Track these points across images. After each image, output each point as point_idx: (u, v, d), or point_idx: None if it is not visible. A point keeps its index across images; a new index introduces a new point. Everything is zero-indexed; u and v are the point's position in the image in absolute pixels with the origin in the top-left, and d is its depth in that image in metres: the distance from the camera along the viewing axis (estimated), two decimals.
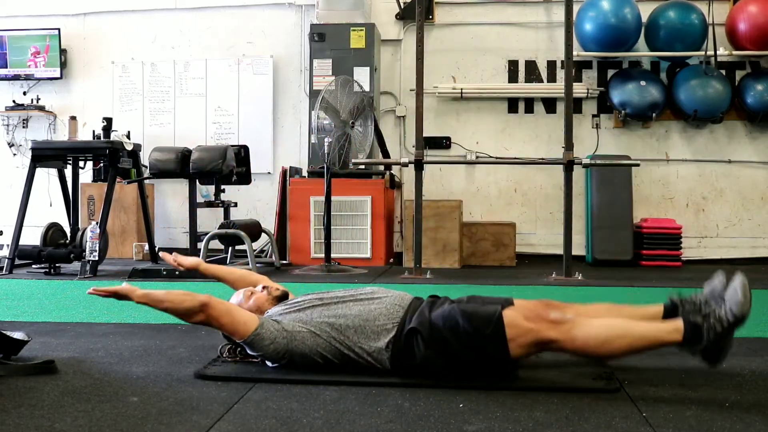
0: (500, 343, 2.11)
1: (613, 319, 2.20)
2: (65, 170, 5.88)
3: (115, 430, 1.73)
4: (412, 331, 2.18)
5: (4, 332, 2.41)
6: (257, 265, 5.47)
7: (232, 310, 2.23)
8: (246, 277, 2.66)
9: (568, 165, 5.23)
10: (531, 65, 6.81)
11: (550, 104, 6.77)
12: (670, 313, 2.24)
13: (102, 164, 6.58)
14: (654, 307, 2.30)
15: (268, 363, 2.27)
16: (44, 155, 5.65)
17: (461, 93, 6.76)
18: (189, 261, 2.68)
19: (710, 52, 6.34)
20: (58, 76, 7.17)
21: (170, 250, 7.01)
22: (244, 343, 2.24)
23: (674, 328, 2.08)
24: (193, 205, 5.52)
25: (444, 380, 2.14)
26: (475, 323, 2.14)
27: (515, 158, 6.66)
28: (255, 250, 5.92)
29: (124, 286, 2.24)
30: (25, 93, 7.29)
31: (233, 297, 2.47)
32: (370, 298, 2.29)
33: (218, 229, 5.47)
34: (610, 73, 6.70)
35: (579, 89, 6.52)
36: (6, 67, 7.23)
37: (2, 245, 5.86)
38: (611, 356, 2.17)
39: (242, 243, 5.41)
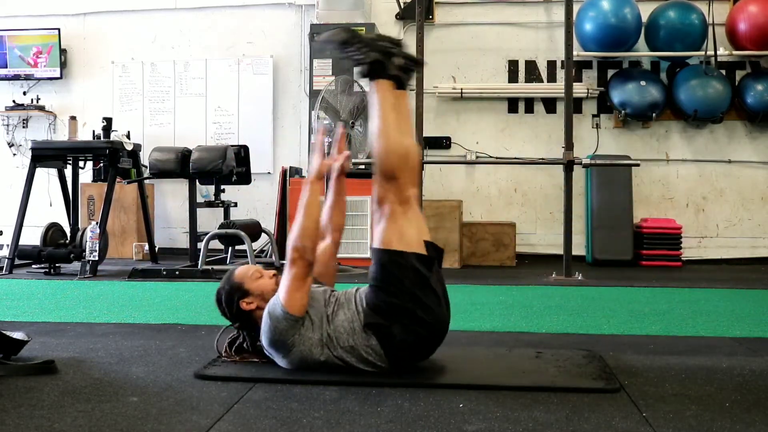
0: (400, 255, 2.16)
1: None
2: (65, 170, 5.89)
3: (115, 430, 1.73)
4: (368, 326, 2.18)
5: (4, 332, 2.41)
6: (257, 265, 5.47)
7: (306, 284, 2.18)
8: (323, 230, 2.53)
9: (568, 165, 5.24)
10: (531, 65, 6.81)
11: (550, 104, 6.77)
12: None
13: (102, 164, 6.58)
14: None
15: (264, 342, 2.24)
16: (44, 155, 5.65)
17: (461, 93, 6.76)
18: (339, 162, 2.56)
19: (710, 52, 6.34)
20: (58, 76, 7.17)
21: (170, 251, 7.02)
22: (269, 308, 2.19)
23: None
24: (193, 205, 5.52)
25: (443, 380, 2.14)
26: (386, 275, 2.17)
27: (515, 158, 6.66)
28: (255, 250, 5.92)
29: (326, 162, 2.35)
30: (25, 93, 7.29)
31: (244, 266, 2.40)
32: (341, 302, 2.27)
33: (218, 229, 5.47)
34: (610, 73, 6.70)
35: (579, 89, 6.52)
36: (6, 67, 7.23)
37: (2, 245, 5.86)
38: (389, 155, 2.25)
39: (242, 243, 5.41)
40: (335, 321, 2.21)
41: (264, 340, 2.24)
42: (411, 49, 6.23)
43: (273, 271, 2.41)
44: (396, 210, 2.22)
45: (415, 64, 2.36)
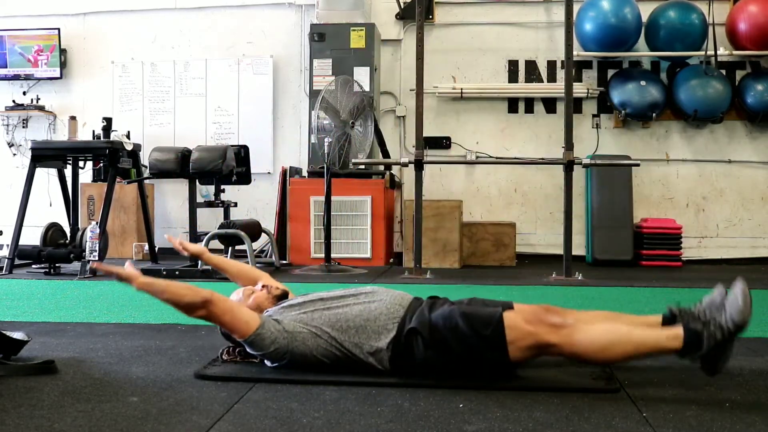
0: (499, 346, 2.11)
1: (613, 324, 2.20)
2: (65, 170, 5.88)
3: (115, 430, 1.73)
4: (412, 331, 2.18)
5: (4, 332, 2.41)
6: (257, 265, 5.47)
7: (234, 308, 2.21)
8: (247, 272, 2.66)
9: (568, 165, 5.23)
10: (531, 65, 6.81)
11: (550, 104, 6.77)
12: (669, 322, 2.24)
13: (102, 164, 6.58)
14: (653, 317, 2.30)
15: (268, 363, 2.27)
16: (44, 155, 5.65)
17: (461, 93, 6.76)
18: (194, 248, 2.66)
19: (710, 52, 6.34)
20: (58, 76, 7.17)
21: (170, 250, 7.04)
22: (244, 342, 2.23)
23: (674, 334, 2.08)
24: (193, 205, 5.52)
25: (444, 380, 2.14)
26: (475, 325, 2.13)
27: (515, 158, 6.66)
28: (255, 250, 5.92)
29: (127, 269, 2.18)
30: (24, 93, 7.29)
31: (233, 294, 2.46)
32: (370, 298, 2.28)
33: (218, 229, 5.47)
34: (610, 73, 6.70)
35: (579, 89, 6.52)
36: (6, 67, 7.23)
37: (2, 245, 5.86)
38: (610, 362, 2.17)
39: (242, 243, 5.41)
40: (338, 316, 2.23)
41: (270, 364, 2.27)
42: (410, 49, 6.27)
43: (262, 280, 2.51)
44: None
45: (710, 370, 2.09)
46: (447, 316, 2.18)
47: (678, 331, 2.08)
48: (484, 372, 2.15)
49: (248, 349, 2.26)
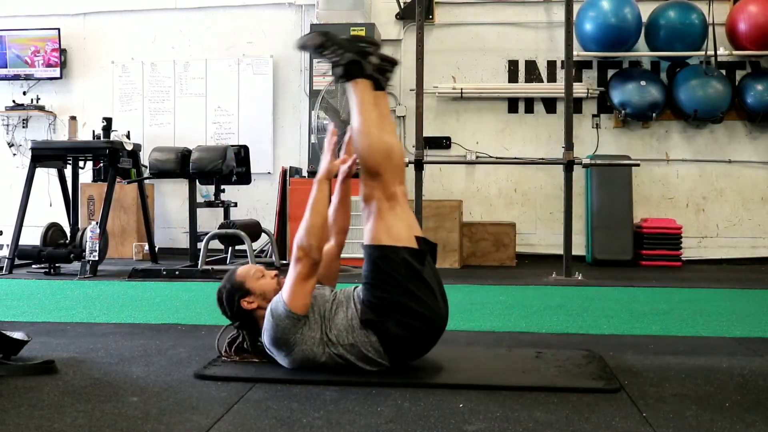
0: (389, 250, 2.17)
1: None
2: (65, 170, 5.88)
3: (115, 430, 1.73)
4: (364, 323, 2.19)
5: (4, 332, 2.41)
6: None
7: (310, 283, 2.18)
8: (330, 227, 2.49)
9: (568, 165, 5.24)
10: (531, 65, 6.81)
11: (550, 104, 6.77)
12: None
13: (102, 164, 6.58)
14: None
15: (265, 340, 2.24)
16: (44, 155, 5.65)
17: (461, 93, 6.76)
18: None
19: (710, 52, 6.34)
20: (58, 76, 7.17)
21: (170, 251, 7.03)
22: (272, 306, 2.19)
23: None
24: (193, 205, 5.52)
25: (443, 380, 2.14)
26: (370, 270, 2.19)
27: (515, 158, 6.66)
28: (255, 250, 5.92)
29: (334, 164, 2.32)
30: (25, 93, 7.29)
31: (245, 266, 2.40)
32: (341, 300, 2.27)
33: (218, 229, 5.47)
34: (610, 73, 6.69)
35: (579, 89, 6.52)
36: (6, 67, 7.23)
37: (2, 245, 5.86)
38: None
39: (242, 243, 5.41)
40: (335, 320, 2.21)
41: (266, 338, 2.24)
42: (410, 48, 6.27)
43: (275, 272, 2.41)
44: (383, 206, 2.24)
45: (392, 63, 2.37)
46: (362, 289, 2.22)
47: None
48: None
49: (267, 315, 2.21)
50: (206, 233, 5.43)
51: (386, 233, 2.21)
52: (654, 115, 6.40)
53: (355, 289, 2.29)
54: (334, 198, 2.48)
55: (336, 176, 2.44)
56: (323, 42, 2.34)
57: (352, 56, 2.31)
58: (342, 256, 2.55)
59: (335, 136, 2.37)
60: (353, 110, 2.32)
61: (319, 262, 2.20)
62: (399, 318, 2.16)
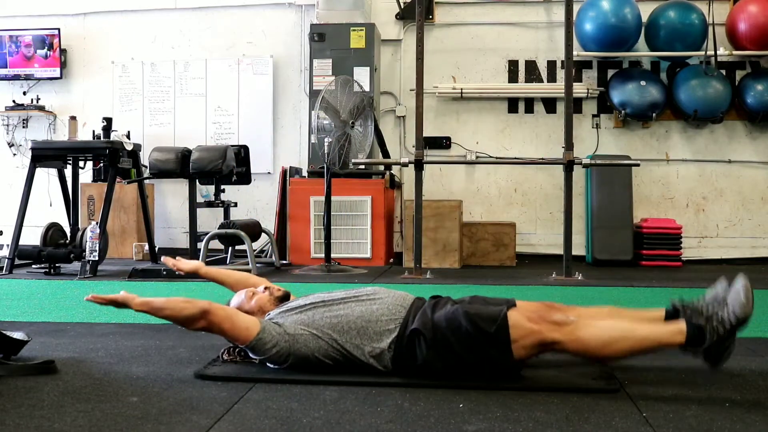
0: (503, 345, 2.11)
1: (616, 320, 2.20)
2: (65, 170, 5.88)
3: (115, 430, 1.73)
4: (415, 332, 2.18)
5: (4, 332, 2.41)
6: (257, 265, 5.48)
7: (233, 316, 2.21)
8: (245, 280, 2.66)
9: (568, 165, 5.23)
10: (531, 65, 6.81)
11: (550, 104, 6.77)
12: (671, 317, 2.23)
13: (102, 164, 6.58)
14: (656, 311, 2.30)
15: (270, 365, 2.27)
16: (44, 155, 5.65)
17: (461, 93, 6.76)
18: (189, 265, 2.69)
19: (710, 52, 6.34)
20: (58, 76, 7.17)
21: (170, 251, 7.03)
22: (246, 348, 2.24)
23: (677, 329, 2.08)
24: (193, 205, 5.52)
25: (444, 380, 2.14)
26: (479, 324, 2.13)
27: (515, 158, 6.66)
28: (255, 250, 5.92)
29: (122, 294, 2.21)
30: (25, 93, 7.29)
31: (235, 297, 2.46)
32: (371, 299, 2.28)
33: (218, 229, 5.47)
34: (610, 73, 6.70)
35: (579, 89, 6.52)
36: (6, 67, 7.23)
37: (2, 245, 5.86)
38: (613, 358, 2.17)
39: (242, 243, 5.41)
40: (341, 317, 2.23)
41: (269, 364, 2.27)
42: (410, 49, 6.27)
43: (263, 284, 2.50)
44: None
45: (713, 364, 2.12)
46: (450, 315, 2.17)
47: (681, 326, 2.08)
48: (486, 372, 2.15)
49: (251, 354, 2.27)
50: (206, 233, 5.43)
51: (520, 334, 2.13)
52: (654, 115, 6.40)
53: (418, 301, 2.30)
54: (223, 283, 2.70)
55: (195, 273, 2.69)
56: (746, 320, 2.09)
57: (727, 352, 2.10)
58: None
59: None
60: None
61: (208, 311, 2.17)
62: (441, 354, 2.16)
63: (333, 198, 5.62)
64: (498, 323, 2.11)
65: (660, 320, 2.25)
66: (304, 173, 6.52)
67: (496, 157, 6.70)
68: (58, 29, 7.11)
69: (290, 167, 6.50)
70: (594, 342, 2.10)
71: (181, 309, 2.17)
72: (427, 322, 2.18)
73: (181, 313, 2.17)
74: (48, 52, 7.13)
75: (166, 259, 2.70)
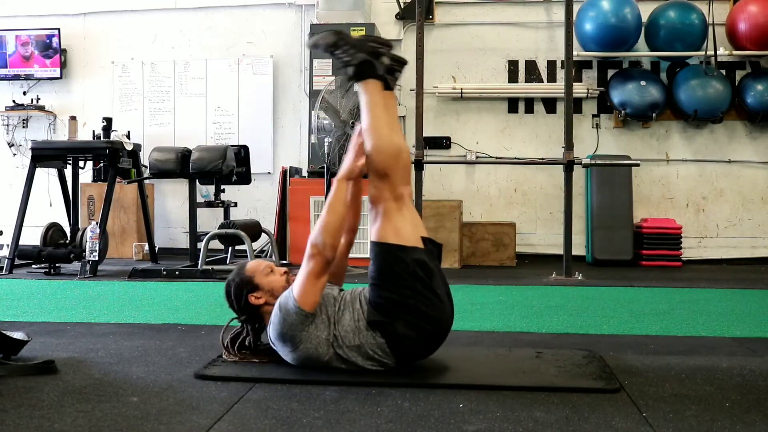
0: (397, 250, 2.18)
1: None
2: (65, 170, 5.89)
3: (115, 430, 1.73)
4: (371, 324, 2.19)
5: (4, 332, 2.41)
6: None
7: (324, 280, 2.19)
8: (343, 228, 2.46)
9: (568, 165, 5.24)
10: (531, 65, 6.81)
11: (550, 104, 6.77)
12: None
13: (102, 164, 6.58)
14: None
15: (271, 336, 2.24)
16: (44, 155, 5.65)
17: (461, 93, 6.76)
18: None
19: (710, 52, 6.34)
20: (58, 76, 7.17)
21: (170, 251, 7.03)
22: (281, 302, 2.20)
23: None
24: (193, 205, 5.52)
25: (444, 380, 2.14)
26: (377, 270, 2.20)
27: (515, 158, 6.66)
28: (255, 250, 5.92)
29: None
30: (25, 93, 7.29)
31: (255, 261, 2.40)
32: (344, 303, 2.27)
33: (218, 229, 5.47)
34: (610, 73, 6.70)
35: (579, 89, 6.52)
36: (6, 67, 7.23)
37: (2, 245, 5.86)
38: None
39: (242, 243, 5.41)
40: (342, 321, 2.21)
41: (272, 332, 2.24)
42: (410, 49, 6.28)
43: (284, 269, 2.41)
44: (390, 207, 2.24)
45: (401, 64, 2.37)
46: (369, 290, 2.22)
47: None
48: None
49: (276, 310, 2.22)
50: (206, 233, 5.43)
51: (394, 234, 2.21)
52: (654, 115, 6.40)
53: (362, 290, 2.29)
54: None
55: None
56: (336, 41, 2.34)
57: (364, 56, 2.31)
58: None
59: (361, 137, 2.35)
60: (363, 110, 2.32)
61: (331, 261, 2.20)
62: (407, 318, 2.16)
63: None
64: (380, 248, 2.21)
65: None
66: (304, 173, 6.52)
67: (496, 157, 6.71)
68: (58, 29, 7.11)
69: (290, 167, 6.50)
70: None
71: (327, 223, 2.21)
72: (369, 309, 2.19)
73: (321, 225, 2.21)
74: (48, 52, 7.13)
75: None
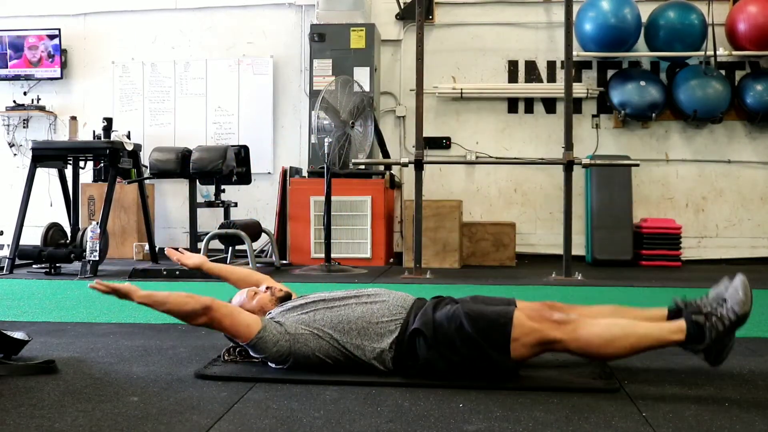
0: (503, 344, 2.11)
1: (617, 319, 2.20)
2: (65, 170, 5.89)
3: (115, 430, 1.73)
4: (416, 331, 2.18)
5: (5, 332, 2.41)
6: (257, 265, 5.48)
7: (235, 313, 2.22)
8: (249, 277, 2.66)
9: (568, 165, 5.24)
10: (531, 65, 6.81)
11: (550, 104, 6.77)
12: (674, 315, 2.24)
13: (102, 164, 6.58)
14: (658, 310, 2.30)
15: (271, 365, 2.27)
16: (45, 155, 5.65)
17: (461, 93, 6.77)
18: (193, 260, 2.68)
19: (710, 52, 6.35)
20: (59, 76, 7.17)
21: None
22: (247, 346, 2.24)
23: (677, 327, 2.09)
24: (193, 205, 5.53)
25: (445, 380, 2.14)
26: (480, 324, 2.13)
27: (515, 158, 6.66)
28: (255, 250, 5.92)
29: (125, 285, 2.20)
30: (25, 93, 7.30)
31: (236, 296, 2.46)
32: (372, 300, 2.28)
33: (218, 229, 5.47)
34: (610, 73, 6.70)
35: (579, 89, 6.52)
36: (6, 67, 7.23)
37: (3, 245, 5.86)
38: (614, 356, 2.17)
39: (242, 243, 5.41)
40: (352, 312, 2.23)
41: (273, 366, 2.28)
42: (410, 49, 6.27)
43: (265, 284, 2.49)
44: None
45: (712, 361, 2.13)
46: (451, 315, 2.17)
47: (681, 323, 2.09)
48: (487, 372, 2.15)
49: (251, 353, 2.27)
50: (206, 233, 5.44)
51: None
52: (654, 115, 6.40)
53: (417, 301, 2.30)
54: (225, 277, 2.68)
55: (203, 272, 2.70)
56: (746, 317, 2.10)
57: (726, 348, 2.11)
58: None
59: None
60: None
61: (210, 307, 2.17)
62: (443, 354, 2.16)
63: (333, 198, 5.62)
64: (499, 324, 2.12)
65: (662, 318, 2.25)
66: (304, 173, 6.52)
67: (496, 157, 6.71)
68: (59, 29, 7.12)
69: (290, 167, 6.51)
70: (595, 340, 2.10)
71: (184, 304, 2.17)
72: (428, 321, 2.18)
73: (183, 308, 2.17)
74: (48, 53, 7.13)
75: (170, 252, 2.68)
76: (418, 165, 5.35)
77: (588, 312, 2.26)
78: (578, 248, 6.17)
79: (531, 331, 2.11)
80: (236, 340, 2.26)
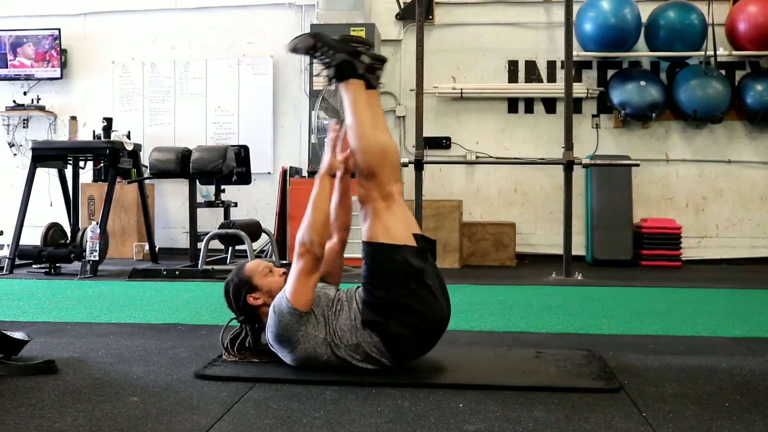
0: (389, 248, 2.18)
1: None
2: (65, 170, 5.89)
3: (115, 430, 1.73)
4: (366, 323, 2.19)
5: (4, 332, 2.41)
6: None
7: (315, 279, 2.20)
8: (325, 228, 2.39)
9: (568, 165, 5.24)
10: (531, 65, 6.81)
11: (550, 104, 6.77)
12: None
13: (102, 164, 6.58)
14: None
15: (269, 337, 2.24)
16: (45, 155, 5.65)
17: (461, 93, 6.76)
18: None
19: (710, 52, 6.35)
20: (59, 76, 7.17)
21: (170, 251, 7.02)
22: (278, 305, 2.19)
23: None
24: (193, 205, 5.53)
25: (443, 380, 2.15)
26: (369, 269, 2.20)
27: (515, 158, 6.66)
28: (255, 250, 5.92)
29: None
30: (25, 93, 7.29)
31: (253, 262, 2.40)
32: (342, 304, 2.27)
33: (218, 229, 5.47)
34: (610, 73, 6.70)
35: (579, 89, 6.52)
36: (6, 67, 7.23)
37: (3, 245, 5.86)
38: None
39: (242, 243, 5.41)
40: (339, 320, 2.21)
41: (269, 334, 2.24)
42: (410, 49, 6.28)
43: (283, 270, 2.40)
44: (379, 206, 2.24)
45: (382, 62, 2.38)
46: (363, 289, 2.23)
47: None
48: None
49: (271, 312, 2.22)
50: (206, 233, 5.43)
51: (384, 233, 2.21)
52: (654, 115, 6.40)
53: (357, 289, 2.29)
54: (334, 195, 2.43)
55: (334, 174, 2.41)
56: (314, 44, 2.34)
57: (343, 57, 2.32)
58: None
59: (337, 132, 2.37)
60: (347, 111, 2.32)
61: (321, 258, 2.21)
62: (401, 317, 2.17)
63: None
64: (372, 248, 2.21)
65: None
66: (304, 173, 6.52)
67: (496, 157, 6.71)
68: (59, 29, 7.12)
69: (290, 167, 6.50)
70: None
71: (314, 223, 2.21)
72: (363, 309, 2.19)
73: (306, 223, 2.22)
74: (48, 53, 7.13)
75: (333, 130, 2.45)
76: (418, 165, 5.35)
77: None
78: (578, 248, 6.16)
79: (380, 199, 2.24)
80: (285, 289, 2.20)
